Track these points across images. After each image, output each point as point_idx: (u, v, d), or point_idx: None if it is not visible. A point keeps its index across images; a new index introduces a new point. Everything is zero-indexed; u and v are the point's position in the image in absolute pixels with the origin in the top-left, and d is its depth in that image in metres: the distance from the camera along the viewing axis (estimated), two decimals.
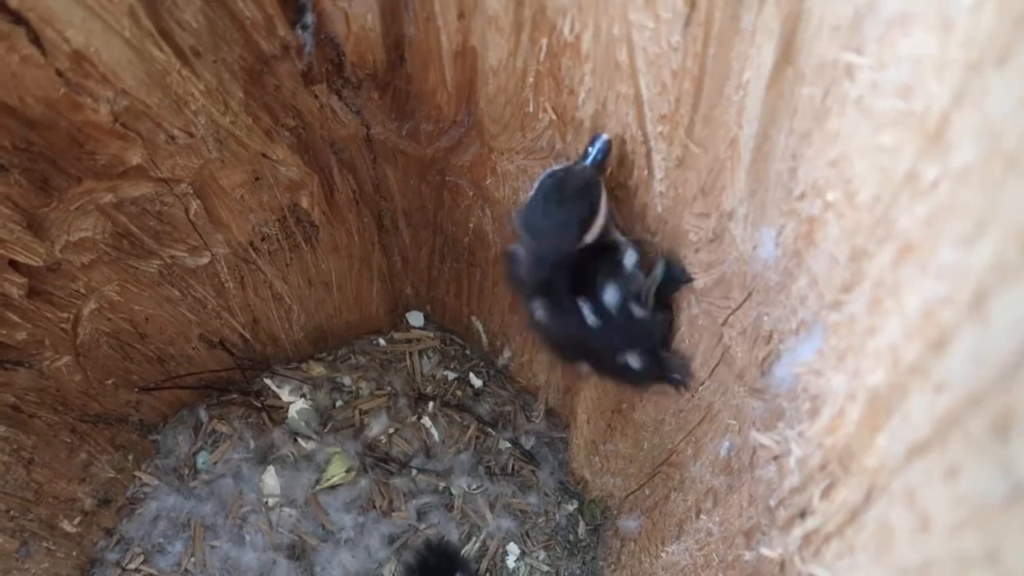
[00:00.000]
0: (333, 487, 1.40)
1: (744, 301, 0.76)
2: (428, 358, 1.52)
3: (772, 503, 0.62)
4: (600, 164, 0.77)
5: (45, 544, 1.18)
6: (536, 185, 0.76)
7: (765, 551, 0.61)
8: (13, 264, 0.88)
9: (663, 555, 0.95)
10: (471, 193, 1.06)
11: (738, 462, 0.79)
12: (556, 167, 0.77)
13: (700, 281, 0.83)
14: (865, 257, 0.49)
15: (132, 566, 1.32)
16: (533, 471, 1.43)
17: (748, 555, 0.69)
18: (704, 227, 0.77)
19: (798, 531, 0.53)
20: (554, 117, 0.83)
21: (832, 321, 0.52)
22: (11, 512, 1.10)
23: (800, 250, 0.61)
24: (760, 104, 0.62)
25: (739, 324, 0.78)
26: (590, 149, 0.76)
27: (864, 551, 0.39)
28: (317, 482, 1.41)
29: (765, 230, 0.68)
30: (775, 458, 0.64)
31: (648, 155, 0.77)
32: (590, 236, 0.79)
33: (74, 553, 1.26)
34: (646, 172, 0.79)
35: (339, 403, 1.49)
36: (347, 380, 1.51)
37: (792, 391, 0.62)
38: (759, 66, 0.59)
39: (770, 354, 0.71)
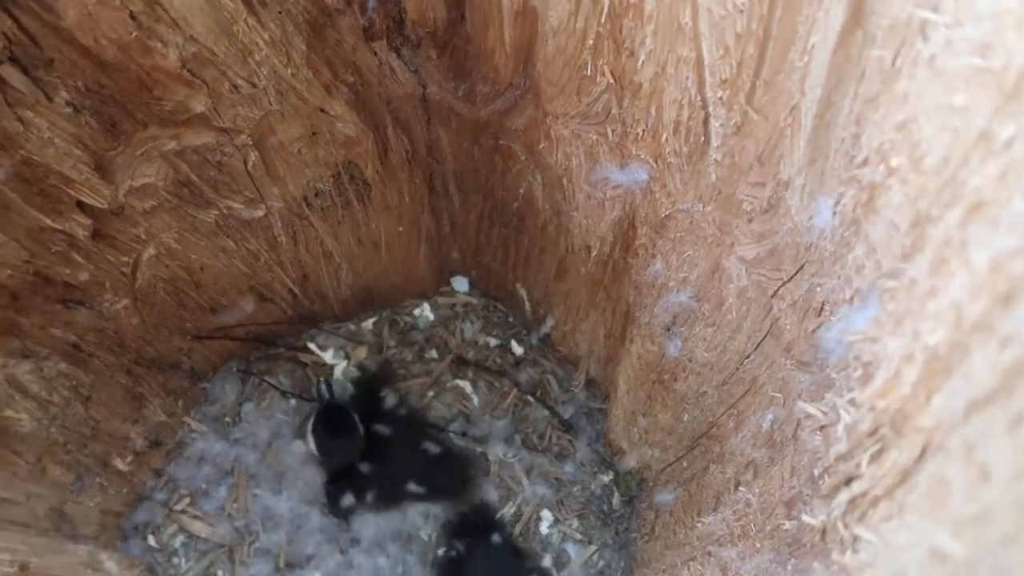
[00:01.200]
0: None
1: (796, 273, 0.75)
2: (471, 323, 1.53)
3: (816, 472, 0.62)
4: None
5: (98, 479, 1.24)
6: None
7: (807, 519, 0.61)
8: (80, 205, 0.91)
9: (699, 526, 0.95)
10: (523, 158, 1.06)
11: (780, 434, 0.79)
12: None
13: (751, 252, 0.82)
14: (928, 222, 0.48)
15: (179, 507, 1.37)
16: (570, 440, 1.44)
17: (788, 524, 0.69)
18: (759, 197, 0.77)
19: (843, 497, 0.53)
20: (612, 81, 0.82)
21: (890, 287, 0.52)
22: (68, 446, 1.15)
23: (859, 218, 0.60)
24: (825, 69, 0.61)
25: (790, 296, 0.78)
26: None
27: (915, 509, 0.39)
28: None
29: (822, 199, 0.67)
30: (821, 428, 0.64)
31: (706, 121, 0.76)
32: None
33: (124, 490, 1.31)
34: (703, 139, 0.78)
35: (381, 365, 1.52)
36: (391, 342, 1.53)
37: (842, 360, 0.61)
38: (826, 29, 0.58)
39: (820, 325, 0.70)
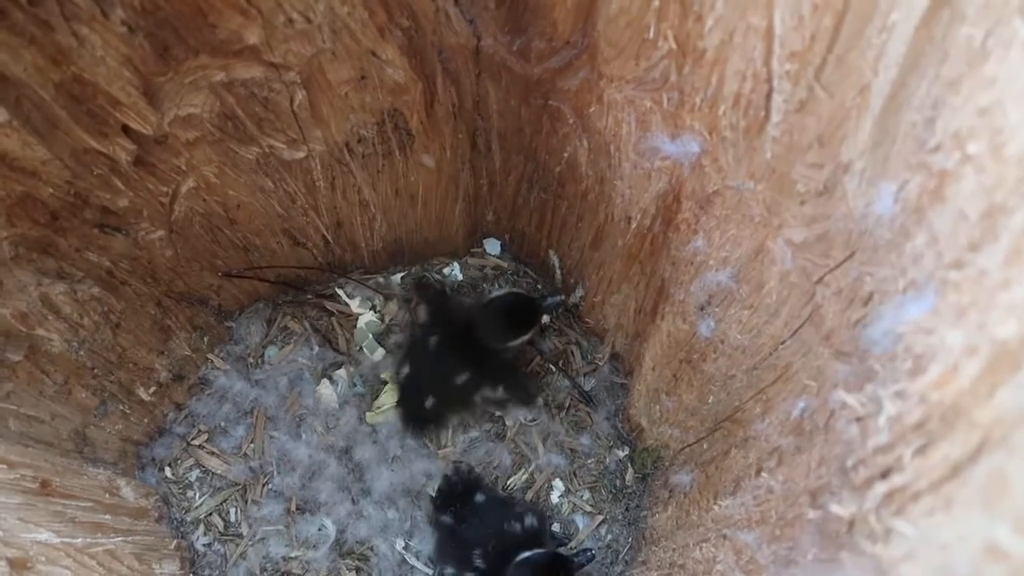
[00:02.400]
0: (384, 413, 1.43)
1: (845, 260, 0.73)
2: (499, 287, 1.52)
3: (849, 463, 0.61)
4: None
5: (121, 407, 1.25)
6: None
7: (835, 509, 0.60)
8: (125, 130, 0.90)
9: (715, 508, 0.94)
10: (571, 121, 1.04)
11: (811, 423, 0.78)
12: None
13: (800, 236, 0.80)
14: (1003, 213, 0.46)
15: (196, 442, 1.39)
16: (589, 413, 1.43)
17: (812, 513, 0.68)
18: (815, 178, 0.74)
19: (880, 489, 0.52)
20: (674, 46, 0.80)
21: (952, 279, 0.50)
22: (95, 370, 1.16)
23: (923, 207, 0.58)
24: (904, 48, 0.58)
25: (835, 283, 0.75)
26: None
27: (966, 504, 0.37)
28: (371, 406, 1.44)
29: (884, 185, 0.65)
30: (858, 419, 0.62)
31: (768, 95, 0.74)
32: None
33: (145, 420, 1.33)
34: (763, 114, 0.76)
35: (407, 320, 1.51)
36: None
37: (889, 352, 0.59)
38: (911, 6, 0.56)
39: (865, 316, 0.68)
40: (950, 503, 0.40)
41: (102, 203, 1.00)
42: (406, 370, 1.35)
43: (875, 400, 0.58)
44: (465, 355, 1.29)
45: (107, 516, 1.12)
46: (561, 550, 1.31)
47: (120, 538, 1.10)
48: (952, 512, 0.39)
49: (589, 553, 1.21)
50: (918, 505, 0.45)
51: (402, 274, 1.53)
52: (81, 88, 0.81)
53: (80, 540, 1.00)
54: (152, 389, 1.31)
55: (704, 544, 0.95)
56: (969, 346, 0.42)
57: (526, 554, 1.15)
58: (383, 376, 1.45)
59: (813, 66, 0.67)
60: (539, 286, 1.52)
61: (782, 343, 0.89)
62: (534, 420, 1.42)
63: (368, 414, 1.43)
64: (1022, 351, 0.37)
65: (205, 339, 1.40)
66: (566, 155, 1.11)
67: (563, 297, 1.39)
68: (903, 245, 0.61)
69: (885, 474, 0.53)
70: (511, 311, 1.30)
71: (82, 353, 1.12)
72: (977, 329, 0.42)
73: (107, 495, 1.16)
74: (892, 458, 0.51)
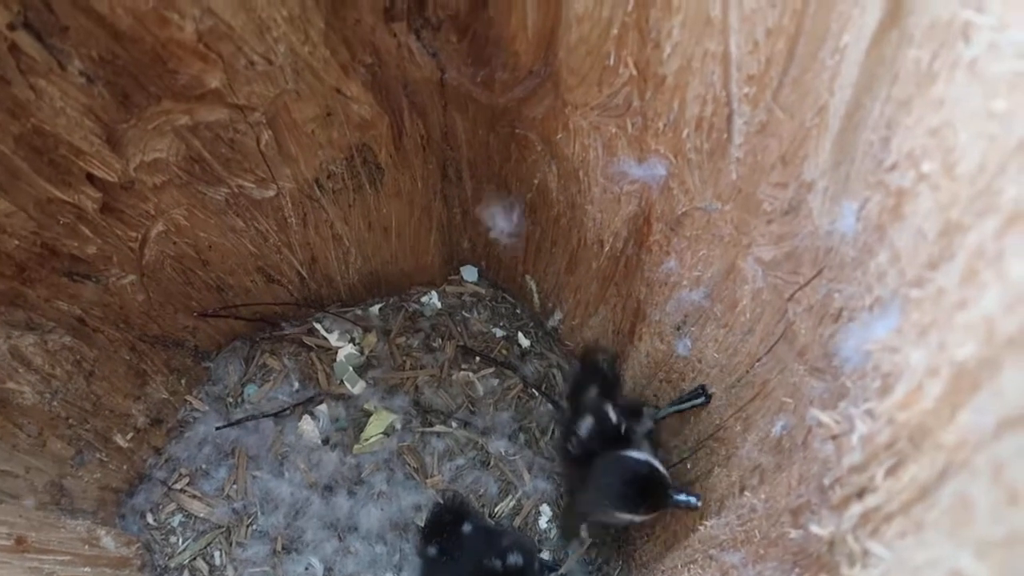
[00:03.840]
0: (370, 445, 1.42)
1: (814, 277, 0.74)
2: (478, 314, 1.52)
3: (826, 482, 0.61)
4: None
5: (98, 455, 1.23)
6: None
7: (815, 529, 0.60)
8: (90, 178, 0.90)
9: (700, 529, 0.94)
10: (539, 148, 1.04)
11: (790, 441, 0.78)
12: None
13: (769, 254, 0.80)
14: (959, 231, 0.46)
15: (178, 486, 1.37)
16: None
17: (794, 533, 0.67)
18: (780, 198, 0.75)
19: (855, 509, 0.52)
20: (635, 72, 0.81)
21: (914, 297, 0.50)
22: (70, 420, 1.14)
23: (884, 224, 0.59)
24: (857, 69, 0.59)
25: (806, 300, 0.76)
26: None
27: (935, 527, 0.37)
28: (356, 438, 1.42)
29: (846, 203, 0.66)
30: (834, 437, 0.62)
31: (729, 118, 0.74)
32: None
33: (124, 467, 1.30)
34: (725, 136, 0.76)
35: (387, 352, 1.51)
36: (397, 329, 1.52)
37: (859, 369, 0.60)
38: (861, 27, 0.57)
39: (837, 332, 0.69)
40: (920, 526, 0.40)
41: (70, 251, 0.99)
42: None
43: (848, 418, 0.58)
44: None
45: (87, 569, 1.09)
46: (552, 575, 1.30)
47: None
48: (922, 535, 0.39)
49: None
50: (891, 527, 0.45)
51: (380, 305, 1.53)
52: (42, 139, 0.81)
53: None
54: (130, 435, 1.29)
55: (692, 566, 0.94)
56: (931, 367, 0.43)
57: None
58: (366, 407, 1.44)
59: (771, 88, 0.68)
60: (517, 310, 1.52)
61: (758, 360, 0.89)
62: (516, 451, 1.41)
63: (356, 446, 1.41)
64: (980, 372, 0.37)
65: (182, 381, 1.38)
66: (536, 182, 1.11)
67: (698, 502, 0.98)
68: (867, 262, 0.61)
69: (860, 494, 0.53)
70: (636, 484, 1.02)
71: (55, 404, 1.10)
72: (938, 349, 0.42)
73: (87, 547, 1.14)
74: (866, 478, 0.52)
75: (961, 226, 0.46)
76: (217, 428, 1.38)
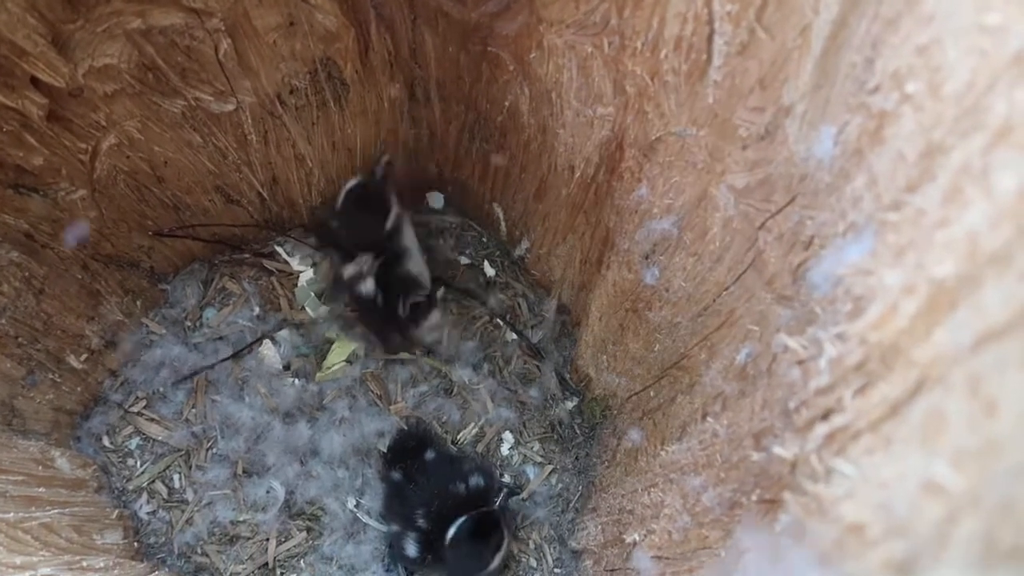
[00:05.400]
0: (332, 373, 1.41)
1: (786, 204, 0.73)
2: (443, 242, 1.50)
3: (792, 405, 0.61)
4: None
5: (51, 376, 1.20)
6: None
7: (777, 451, 0.61)
8: (35, 82, 0.84)
9: (662, 454, 0.95)
10: (511, 67, 1.01)
11: (755, 368, 0.78)
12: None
13: (742, 181, 0.80)
14: (940, 152, 0.46)
15: (134, 409, 1.35)
16: (537, 365, 1.43)
17: (756, 456, 0.69)
18: (757, 122, 0.74)
19: (820, 430, 0.53)
20: None
21: (891, 220, 0.50)
22: (19, 339, 1.11)
23: (862, 148, 0.58)
24: None
25: (777, 228, 0.76)
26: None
27: (905, 442, 0.38)
28: (318, 365, 1.41)
29: (824, 128, 0.65)
30: (800, 362, 0.63)
31: (710, 38, 0.72)
32: None
33: (78, 389, 1.27)
34: (704, 57, 0.74)
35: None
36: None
37: (829, 295, 0.60)
38: None
39: (806, 260, 0.69)
40: (889, 441, 0.40)
41: (15, 162, 0.94)
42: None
43: (816, 343, 0.58)
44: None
45: (41, 489, 1.07)
46: (513, 500, 1.33)
47: (56, 510, 1.06)
48: (891, 450, 0.39)
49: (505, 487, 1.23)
50: (858, 444, 0.46)
51: None
52: None
53: (12, 515, 0.96)
54: (83, 356, 1.25)
55: (652, 489, 0.96)
56: (907, 286, 0.43)
57: (465, 517, 1.15)
58: (327, 334, 1.43)
59: (754, 7, 0.66)
60: (483, 239, 1.50)
61: (726, 289, 0.89)
62: (480, 382, 1.41)
63: (318, 374, 1.40)
64: (959, 289, 0.37)
65: (138, 303, 1.35)
66: (507, 103, 1.08)
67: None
68: (843, 188, 0.61)
69: (826, 415, 0.53)
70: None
71: (3, 321, 1.07)
72: (915, 269, 0.42)
73: (40, 467, 1.12)
74: (833, 399, 0.52)
75: (943, 147, 0.45)
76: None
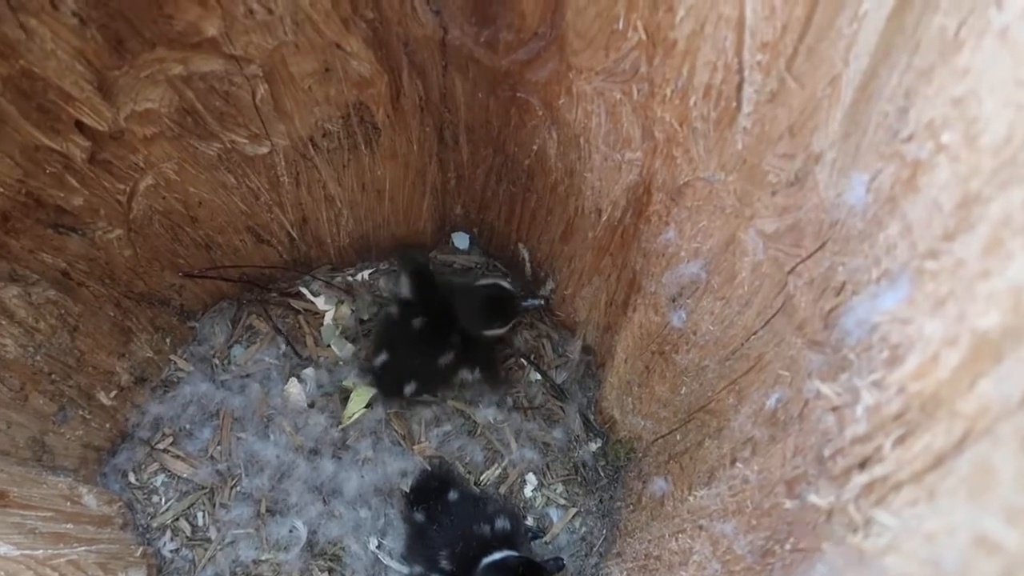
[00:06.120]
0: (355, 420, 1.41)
1: (817, 250, 0.73)
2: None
3: (826, 453, 0.61)
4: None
5: (81, 412, 1.21)
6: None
7: (813, 499, 0.60)
8: (79, 126, 0.87)
9: (690, 499, 0.94)
10: (540, 113, 1.03)
11: (785, 414, 0.78)
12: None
13: (771, 226, 0.80)
14: (978, 203, 0.46)
15: (161, 446, 1.36)
16: (561, 407, 1.43)
17: (789, 503, 0.68)
18: (786, 169, 0.74)
19: (859, 479, 0.52)
20: (644, 37, 0.79)
21: (928, 268, 0.50)
22: (53, 376, 1.12)
23: (896, 196, 0.58)
24: (875, 38, 0.58)
25: (807, 274, 0.76)
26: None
27: (951, 495, 0.37)
28: (342, 404, 1.41)
29: (856, 175, 0.65)
30: (834, 409, 0.62)
31: (739, 86, 0.73)
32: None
33: (107, 425, 1.29)
34: (734, 104, 0.75)
35: (375, 318, 1.49)
36: (386, 295, 1.50)
37: (863, 342, 0.60)
38: None
39: (838, 306, 0.69)
40: (933, 493, 0.40)
41: (56, 202, 0.96)
42: (383, 357, 1.32)
43: (851, 390, 0.58)
44: (450, 335, 1.30)
45: (69, 525, 1.08)
46: (536, 543, 1.31)
47: (83, 547, 1.06)
48: (935, 503, 0.39)
49: (560, 561, 1.21)
50: (899, 495, 0.45)
51: (370, 271, 1.51)
52: (31, 83, 0.78)
53: (41, 552, 0.96)
54: (113, 393, 1.27)
55: (680, 535, 0.95)
56: (948, 336, 0.42)
57: (494, 557, 1.13)
58: (344, 383, 1.43)
59: (784, 56, 0.67)
60: (509, 280, 1.51)
61: (754, 333, 0.89)
62: (504, 418, 1.41)
63: (342, 423, 1.40)
64: (1004, 342, 0.37)
65: (168, 340, 1.37)
66: (535, 147, 1.10)
67: (543, 302, 1.40)
68: (876, 235, 0.61)
69: (864, 464, 0.53)
70: (490, 303, 1.31)
71: (38, 358, 1.08)
72: (957, 319, 0.42)
73: (68, 504, 1.13)
74: (871, 448, 0.51)
75: (980, 198, 0.46)
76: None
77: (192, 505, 1.34)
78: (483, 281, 1.36)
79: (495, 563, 1.13)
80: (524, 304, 1.35)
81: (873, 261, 0.61)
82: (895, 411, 0.48)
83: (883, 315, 0.56)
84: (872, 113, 0.61)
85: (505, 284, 1.33)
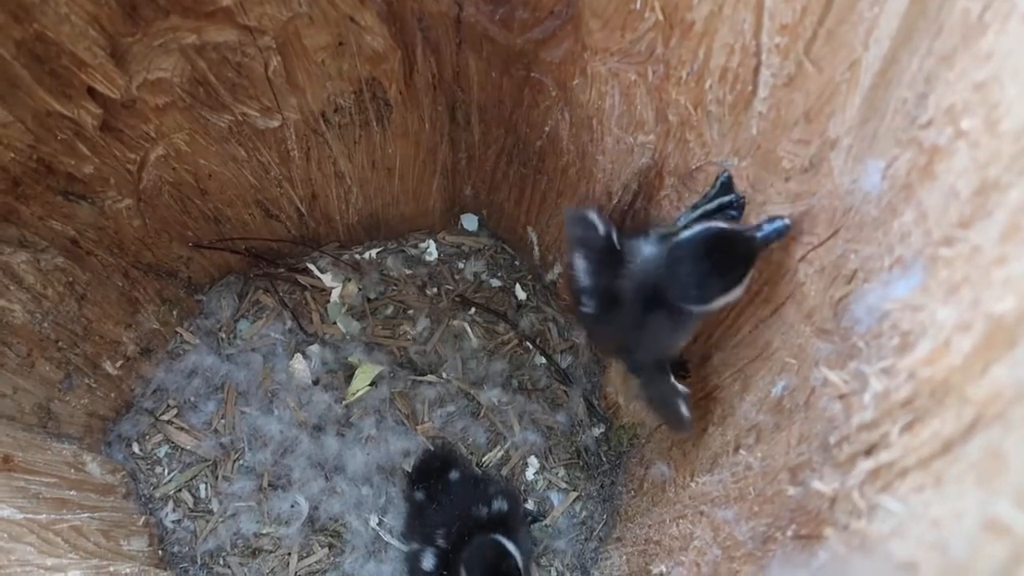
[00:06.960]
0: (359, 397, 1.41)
1: (829, 237, 0.73)
2: (476, 263, 1.51)
3: (832, 440, 0.60)
4: (768, 244, 0.77)
5: (87, 380, 1.22)
6: (698, 234, 0.78)
7: (816, 485, 0.60)
8: (91, 92, 0.87)
9: (692, 485, 0.94)
10: (554, 93, 1.02)
11: (791, 401, 0.77)
12: (724, 226, 0.77)
13: (783, 212, 0.79)
14: (996, 189, 0.45)
15: (165, 417, 1.36)
16: (565, 391, 1.43)
17: (792, 490, 0.68)
18: (801, 155, 0.73)
19: (864, 466, 0.52)
20: (661, 17, 0.78)
21: (943, 255, 0.49)
22: (60, 343, 1.13)
23: (912, 183, 0.57)
24: (897, 22, 0.57)
25: (819, 261, 0.75)
26: (765, 226, 0.76)
27: (959, 481, 0.37)
28: (346, 381, 1.42)
29: (871, 162, 0.64)
30: (841, 396, 0.62)
31: (756, 69, 0.73)
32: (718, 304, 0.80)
33: (112, 395, 1.29)
34: (750, 88, 0.75)
35: (382, 296, 1.49)
36: (393, 274, 1.50)
37: (873, 330, 0.59)
38: None
39: (849, 294, 0.68)
40: (940, 480, 0.39)
41: (67, 169, 0.96)
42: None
43: (859, 377, 0.58)
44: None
45: (72, 492, 1.09)
46: (536, 526, 1.31)
47: (86, 514, 1.07)
48: (943, 488, 0.39)
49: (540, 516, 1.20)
50: (905, 481, 0.45)
51: (378, 249, 1.51)
52: (44, 47, 0.78)
53: (44, 516, 0.97)
54: (119, 363, 1.27)
55: (681, 520, 0.95)
56: (962, 322, 0.42)
57: (481, 537, 1.13)
58: (350, 359, 1.43)
59: (803, 40, 0.66)
60: (516, 262, 1.50)
61: (762, 321, 0.89)
62: (508, 400, 1.41)
63: (346, 400, 1.40)
64: (1019, 327, 0.36)
65: (174, 312, 1.37)
66: (547, 129, 1.09)
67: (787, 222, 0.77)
68: (890, 222, 0.60)
69: (870, 451, 0.52)
70: (714, 255, 0.79)
71: (46, 325, 1.09)
72: (971, 305, 0.42)
73: (72, 471, 1.13)
74: (877, 435, 0.51)
75: (999, 184, 0.45)
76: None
77: (195, 477, 1.34)
78: (687, 233, 0.79)
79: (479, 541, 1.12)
80: (761, 234, 0.76)
81: (886, 249, 0.60)
82: (903, 398, 0.48)
83: (895, 303, 0.55)
84: (891, 99, 0.60)
85: (724, 224, 0.79)
